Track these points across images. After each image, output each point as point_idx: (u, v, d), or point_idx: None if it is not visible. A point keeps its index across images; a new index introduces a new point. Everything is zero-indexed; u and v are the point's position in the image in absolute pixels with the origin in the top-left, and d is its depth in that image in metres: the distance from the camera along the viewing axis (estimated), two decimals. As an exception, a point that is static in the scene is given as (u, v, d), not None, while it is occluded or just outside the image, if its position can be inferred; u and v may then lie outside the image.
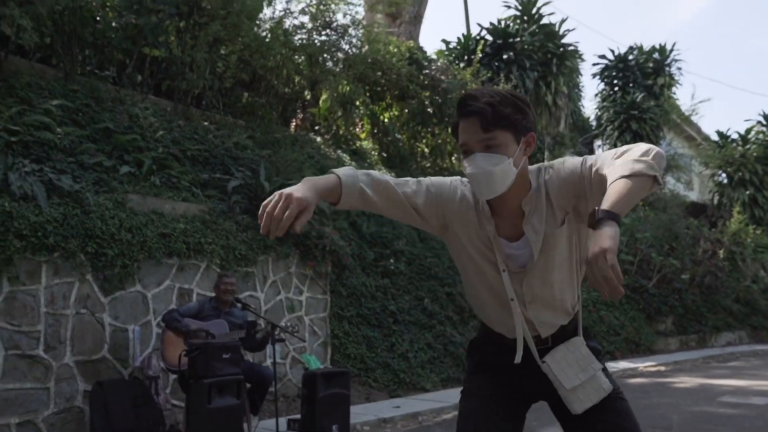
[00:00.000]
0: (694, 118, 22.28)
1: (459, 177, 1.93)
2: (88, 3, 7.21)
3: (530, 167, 1.84)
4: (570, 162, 1.82)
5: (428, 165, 11.99)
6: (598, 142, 19.26)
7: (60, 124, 6.01)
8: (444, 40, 15.82)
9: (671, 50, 19.67)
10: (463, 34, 15.71)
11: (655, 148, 1.64)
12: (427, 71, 11.38)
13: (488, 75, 13.08)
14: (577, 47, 16.31)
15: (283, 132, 9.33)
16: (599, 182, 1.68)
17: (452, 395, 7.14)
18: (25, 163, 5.24)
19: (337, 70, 9.97)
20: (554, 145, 16.87)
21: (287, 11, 9.22)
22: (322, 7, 9.47)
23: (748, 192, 18.01)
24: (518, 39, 14.88)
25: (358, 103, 10.68)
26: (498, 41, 15.00)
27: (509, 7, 16.49)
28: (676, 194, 18.10)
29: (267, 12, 9.19)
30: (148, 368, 5.31)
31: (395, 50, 11.17)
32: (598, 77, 20.21)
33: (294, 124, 10.74)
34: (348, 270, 7.77)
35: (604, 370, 1.89)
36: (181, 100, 8.03)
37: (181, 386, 5.06)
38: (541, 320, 1.88)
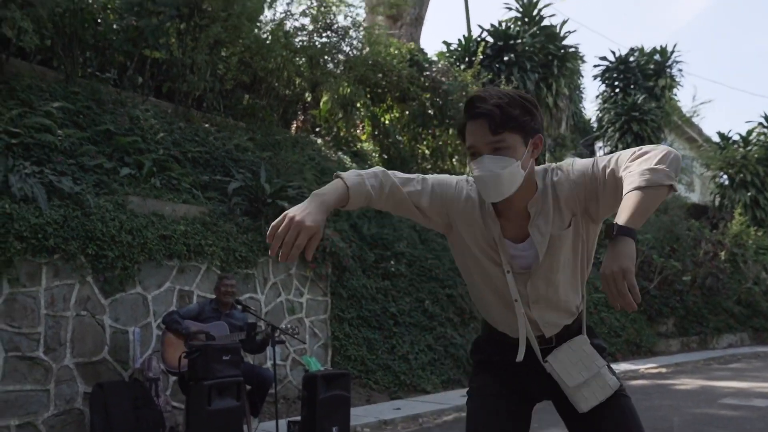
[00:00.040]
0: (695, 120, 22.30)
1: (465, 176, 1.91)
2: (88, 5, 7.23)
3: (536, 168, 1.83)
4: (580, 164, 1.80)
5: (429, 167, 11.98)
6: (599, 144, 19.27)
7: (61, 126, 6.01)
8: (445, 42, 15.83)
9: (672, 52, 19.68)
10: (463, 36, 15.71)
11: (671, 152, 1.62)
12: (427, 73, 11.37)
13: (489, 77, 13.08)
14: (578, 49, 16.29)
15: (284, 134, 9.34)
16: (613, 185, 1.69)
17: (453, 397, 7.13)
18: (25, 165, 5.25)
19: (338, 72, 9.98)
20: (555, 146, 16.87)
21: (288, 13, 9.23)
22: (322, 9, 9.48)
23: (749, 193, 17.99)
24: (519, 41, 14.88)
25: (358, 104, 10.67)
26: (499, 43, 15.00)
27: (510, 8, 16.50)
28: (678, 196, 18.08)
29: (267, 14, 9.22)
30: (148, 370, 5.31)
31: (396, 52, 11.17)
32: (599, 79, 20.22)
33: (295, 126, 10.75)
34: (348, 272, 7.77)
35: (609, 367, 1.89)
36: (182, 102, 8.03)
37: (181, 388, 5.06)
38: (545, 320, 1.88)
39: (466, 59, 14.58)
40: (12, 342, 4.76)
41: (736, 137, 19.35)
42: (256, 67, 8.90)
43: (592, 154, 19.86)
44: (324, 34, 9.63)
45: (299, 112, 10.89)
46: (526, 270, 1.83)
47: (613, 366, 1.98)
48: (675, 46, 19.88)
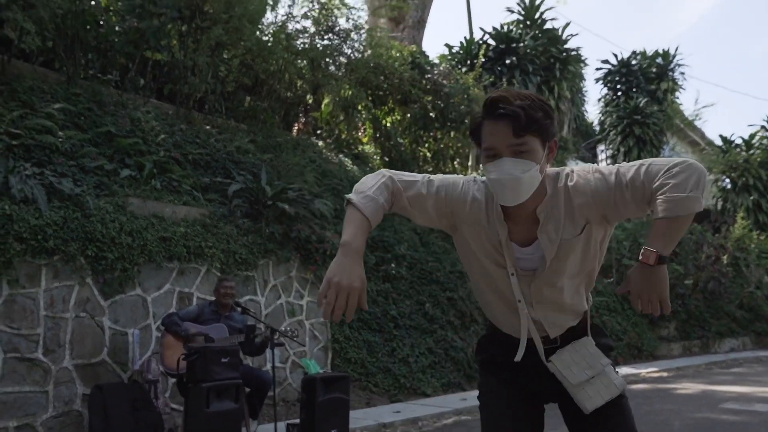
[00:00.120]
0: (697, 123, 22.26)
1: (472, 177, 1.89)
2: (90, 7, 7.24)
3: (547, 171, 1.80)
4: (602, 172, 1.75)
5: (430, 169, 11.98)
6: (601, 147, 19.23)
7: (62, 127, 6.02)
8: (447, 45, 15.87)
9: (674, 55, 19.67)
10: (465, 38, 15.73)
11: (703, 174, 1.63)
12: (429, 76, 11.38)
13: (491, 79, 13.09)
14: (580, 52, 16.32)
15: (285, 136, 9.34)
16: (640, 198, 1.68)
17: (453, 400, 7.11)
18: (26, 166, 5.26)
19: (340, 74, 9.99)
20: (557, 149, 16.86)
21: (289, 15, 9.24)
22: (324, 11, 9.49)
23: (752, 197, 17.94)
24: (521, 44, 14.89)
25: (360, 107, 10.68)
26: (501, 46, 15.02)
27: (512, 11, 16.52)
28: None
29: (269, 16, 9.23)
30: (147, 372, 5.30)
31: (397, 55, 11.19)
32: (601, 82, 20.21)
33: (296, 128, 10.76)
34: (349, 274, 7.75)
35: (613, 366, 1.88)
36: (183, 104, 8.05)
37: (180, 390, 5.05)
38: (549, 321, 1.87)
39: (468, 62, 14.59)
40: (11, 343, 4.76)
41: (739, 141, 19.31)
42: (257, 70, 8.91)
43: (594, 157, 19.83)
44: (326, 37, 9.64)
45: (300, 115, 10.90)
46: (529, 272, 1.82)
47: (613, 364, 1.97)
48: (677, 49, 19.81)
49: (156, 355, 5.40)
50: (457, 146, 12.22)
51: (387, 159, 11.41)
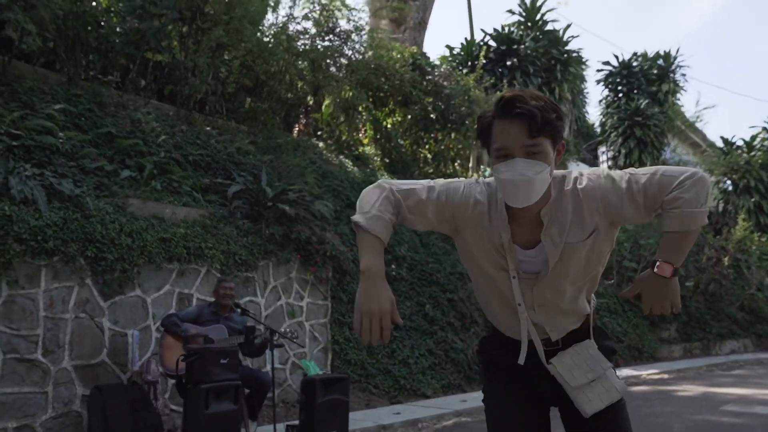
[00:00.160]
0: (698, 125, 22.25)
1: (473, 179, 1.87)
2: (91, 8, 7.24)
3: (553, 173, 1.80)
4: (613, 178, 1.74)
5: (431, 171, 11.98)
6: (602, 149, 19.22)
7: (62, 128, 6.02)
8: (448, 46, 15.86)
9: (675, 56, 19.64)
10: (466, 39, 15.73)
11: (710, 186, 1.69)
12: (430, 77, 11.38)
13: (491, 81, 13.09)
14: (581, 54, 16.31)
15: (286, 137, 9.34)
16: (650, 205, 1.70)
17: (453, 402, 7.11)
18: (26, 167, 5.26)
19: (340, 75, 9.99)
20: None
21: (290, 17, 9.24)
22: (325, 13, 9.49)
23: (753, 199, 17.92)
24: (522, 45, 14.89)
25: (360, 108, 10.68)
26: (502, 47, 15.02)
27: (513, 13, 16.52)
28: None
29: (270, 17, 9.23)
30: (147, 373, 5.30)
31: (398, 56, 11.19)
32: (602, 83, 20.20)
33: (296, 129, 10.76)
34: (349, 275, 7.75)
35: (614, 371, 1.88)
36: (184, 105, 8.05)
37: (179, 391, 5.04)
38: (551, 324, 1.86)
39: (469, 63, 14.60)
40: (10, 344, 4.76)
41: (740, 142, 19.30)
42: (258, 71, 8.92)
43: (595, 159, 19.82)
44: (326, 38, 9.65)
45: (301, 116, 10.90)
46: (532, 275, 1.81)
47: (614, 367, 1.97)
48: (678, 50, 19.81)
49: (155, 356, 5.39)
50: (458, 148, 12.22)
51: (387, 160, 11.41)
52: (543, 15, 16.09)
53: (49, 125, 5.81)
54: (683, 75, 19.79)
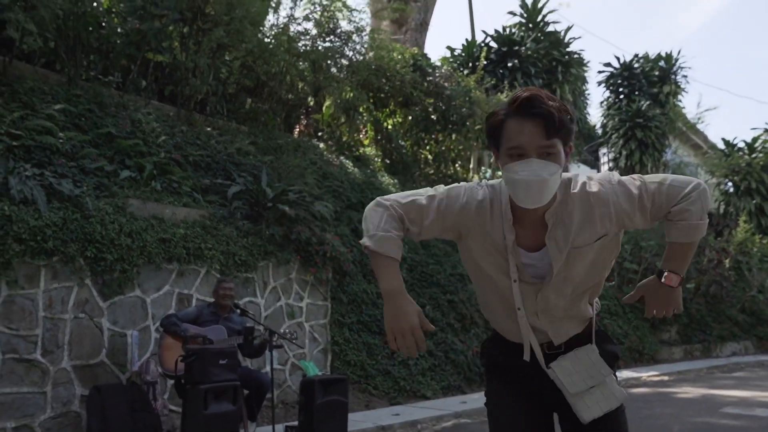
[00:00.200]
0: (700, 127, 22.20)
1: (475, 182, 1.85)
2: (92, 9, 7.25)
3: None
4: (625, 184, 1.75)
5: (431, 172, 11.98)
6: (603, 150, 19.20)
7: (62, 128, 6.03)
8: (449, 47, 15.86)
9: (677, 58, 19.61)
10: (467, 40, 15.73)
11: (709, 198, 1.76)
12: (430, 78, 11.38)
13: (492, 82, 13.08)
14: (582, 55, 16.31)
15: (286, 138, 9.34)
16: (656, 214, 1.75)
17: (452, 403, 7.10)
18: (26, 167, 5.26)
19: (341, 76, 9.99)
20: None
21: (291, 18, 9.25)
22: (326, 14, 9.50)
23: (754, 201, 17.90)
24: (523, 46, 14.89)
25: (361, 109, 10.68)
26: (503, 48, 15.02)
27: (514, 14, 16.51)
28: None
29: (271, 18, 9.24)
30: (146, 373, 5.30)
31: (399, 57, 11.19)
32: (603, 85, 20.18)
33: (297, 130, 10.76)
34: (349, 276, 7.75)
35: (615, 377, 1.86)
36: (185, 106, 8.05)
37: (178, 392, 5.04)
38: (553, 330, 1.85)
39: (470, 64, 14.60)
40: (9, 344, 4.76)
41: (741, 144, 19.28)
42: (259, 71, 8.92)
43: (596, 160, 19.80)
44: (327, 39, 9.65)
45: (302, 117, 10.91)
46: (539, 280, 1.79)
47: (615, 373, 1.96)
48: (680, 52, 19.77)
49: (155, 356, 5.39)
50: (459, 149, 12.22)
51: (388, 161, 11.41)
52: (544, 16, 16.09)
53: (49, 125, 5.82)
54: (684, 77, 19.76)
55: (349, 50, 10.10)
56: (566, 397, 1.82)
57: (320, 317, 7.27)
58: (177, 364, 4.85)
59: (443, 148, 12.02)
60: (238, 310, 5.41)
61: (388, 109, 11.74)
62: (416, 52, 12.26)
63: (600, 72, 20.29)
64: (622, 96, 19.65)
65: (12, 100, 6.03)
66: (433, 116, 11.42)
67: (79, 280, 5.21)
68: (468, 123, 11.32)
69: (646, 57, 19.76)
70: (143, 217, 5.86)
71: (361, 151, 11.18)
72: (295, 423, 5.37)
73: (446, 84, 11.43)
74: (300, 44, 9.27)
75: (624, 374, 9.53)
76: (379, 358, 7.54)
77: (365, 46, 10.44)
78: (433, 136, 11.90)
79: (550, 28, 15.99)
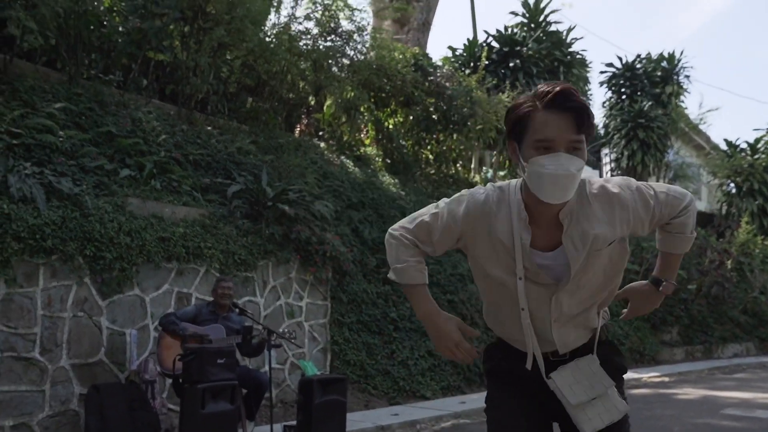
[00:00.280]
0: (702, 127, 22.14)
1: (479, 187, 1.85)
2: (93, 7, 7.25)
3: None
4: (642, 191, 1.78)
5: (432, 171, 11.97)
6: (605, 151, 19.16)
7: (63, 127, 6.03)
8: (450, 47, 15.82)
9: (679, 59, 19.54)
10: (468, 40, 15.70)
11: (695, 213, 1.86)
12: (432, 78, 11.36)
13: (494, 82, 13.05)
14: (584, 55, 16.27)
15: (287, 137, 9.33)
16: (658, 221, 1.83)
17: (452, 403, 7.09)
18: (25, 165, 5.26)
19: (342, 75, 9.98)
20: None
21: (292, 17, 9.24)
22: (327, 13, 9.49)
23: (756, 202, 17.85)
24: (525, 46, 14.86)
25: (362, 108, 10.67)
26: (504, 48, 14.98)
27: (516, 14, 16.48)
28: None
29: (272, 17, 9.23)
30: (144, 372, 5.29)
31: (400, 56, 11.17)
32: (605, 85, 20.12)
33: (298, 129, 10.75)
34: (349, 276, 7.74)
35: (619, 388, 1.83)
36: (185, 105, 8.05)
37: (176, 391, 5.04)
38: (561, 338, 1.82)
39: (471, 64, 14.57)
40: (8, 342, 4.76)
41: (744, 145, 19.22)
42: (260, 71, 8.92)
43: (598, 161, 19.76)
44: (328, 39, 9.64)
45: (303, 116, 10.90)
46: (554, 282, 1.77)
47: (623, 386, 1.94)
48: (682, 52, 19.66)
49: (153, 355, 5.39)
50: (460, 149, 12.20)
51: (389, 161, 11.39)
52: (546, 16, 16.05)
53: (49, 124, 5.81)
54: (687, 77, 19.68)
55: (351, 50, 10.08)
56: (567, 409, 1.79)
57: (320, 317, 7.26)
58: (175, 363, 4.85)
59: (444, 148, 12.00)
60: (237, 310, 5.41)
61: (389, 109, 11.72)
62: (417, 51, 12.24)
63: (602, 72, 20.21)
64: (624, 96, 19.59)
65: (12, 98, 6.03)
66: (434, 116, 11.40)
67: (78, 278, 5.20)
68: (469, 123, 11.30)
69: (648, 57, 19.71)
70: (143, 215, 5.85)
71: (361, 150, 11.17)
72: (294, 422, 5.36)
73: (448, 84, 11.41)
74: (301, 43, 9.26)
75: (625, 375, 9.49)
76: (379, 358, 7.53)
77: (366, 45, 10.43)
78: (434, 136, 11.88)
79: (552, 28, 15.95)
